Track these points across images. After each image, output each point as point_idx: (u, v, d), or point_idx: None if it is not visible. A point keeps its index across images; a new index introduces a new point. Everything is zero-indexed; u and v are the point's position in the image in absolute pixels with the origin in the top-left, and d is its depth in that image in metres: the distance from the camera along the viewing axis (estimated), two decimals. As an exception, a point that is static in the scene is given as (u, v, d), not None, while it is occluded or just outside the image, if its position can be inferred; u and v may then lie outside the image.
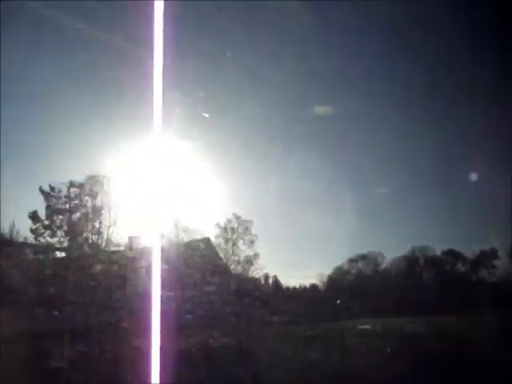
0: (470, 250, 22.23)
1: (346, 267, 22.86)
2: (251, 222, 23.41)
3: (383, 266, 22.97)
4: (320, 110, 20.25)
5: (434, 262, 22.47)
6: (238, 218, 23.74)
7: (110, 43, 13.26)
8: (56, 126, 16.53)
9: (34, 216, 15.98)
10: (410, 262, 22.47)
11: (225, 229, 23.10)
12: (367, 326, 18.21)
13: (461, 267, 22.52)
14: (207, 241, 19.90)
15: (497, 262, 22.01)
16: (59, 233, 16.52)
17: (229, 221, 22.81)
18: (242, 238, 25.28)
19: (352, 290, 22.10)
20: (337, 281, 22.76)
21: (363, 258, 22.58)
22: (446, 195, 23.73)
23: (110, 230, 21.80)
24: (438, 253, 22.59)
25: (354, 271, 22.91)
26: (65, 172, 16.95)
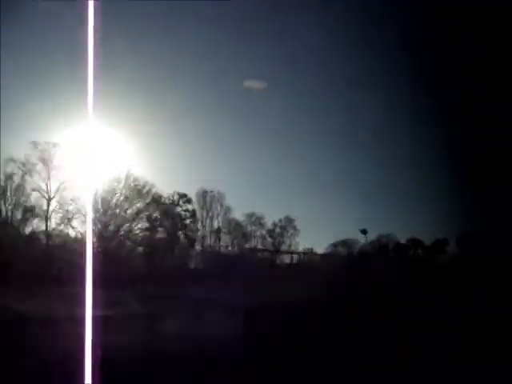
0: (427, 238, 26.38)
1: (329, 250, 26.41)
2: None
3: (357, 249, 26.69)
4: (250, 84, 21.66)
5: (398, 247, 26.33)
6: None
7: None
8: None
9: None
10: (380, 247, 26.20)
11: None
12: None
13: (420, 252, 26.58)
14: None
15: (448, 248, 26.37)
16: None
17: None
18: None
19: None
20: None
21: (343, 243, 26.13)
22: (408, 191, 27.66)
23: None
24: (403, 240, 26.55)
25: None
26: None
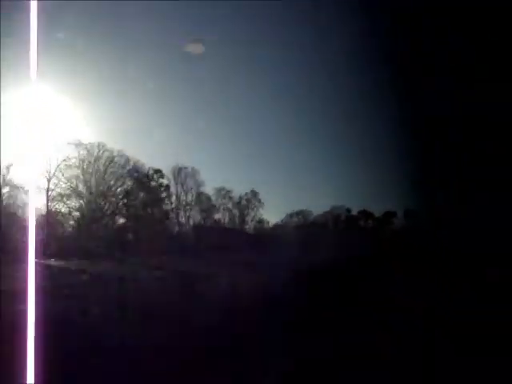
0: (377, 210, 28.85)
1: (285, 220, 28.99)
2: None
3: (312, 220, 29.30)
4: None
5: (350, 218, 28.86)
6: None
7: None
8: None
9: None
10: (333, 217, 28.76)
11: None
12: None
13: (370, 223, 29.13)
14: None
15: (395, 220, 28.90)
16: None
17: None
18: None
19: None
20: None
21: (298, 213, 28.66)
22: (360, 164, 29.84)
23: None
24: (355, 212, 29.08)
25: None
26: None
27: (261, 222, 29.52)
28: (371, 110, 24.87)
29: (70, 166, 28.51)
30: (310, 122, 30.26)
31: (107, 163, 31.33)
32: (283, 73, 29.02)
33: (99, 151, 29.27)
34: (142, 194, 34.01)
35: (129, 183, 33.83)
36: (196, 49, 20.35)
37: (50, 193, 28.07)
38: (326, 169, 30.84)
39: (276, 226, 29.49)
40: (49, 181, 27.74)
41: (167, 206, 34.44)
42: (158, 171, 35.20)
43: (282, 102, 29.27)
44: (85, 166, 29.99)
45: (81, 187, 30.01)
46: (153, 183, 34.88)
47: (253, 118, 32.60)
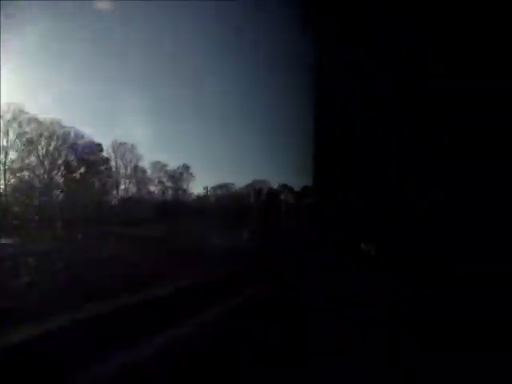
0: (297, 185, 31.07)
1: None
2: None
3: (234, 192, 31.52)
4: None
5: (271, 192, 31.11)
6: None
7: None
8: None
9: None
10: (255, 191, 31.00)
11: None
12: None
13: (291, 197, 31.49)
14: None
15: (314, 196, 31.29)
16: None
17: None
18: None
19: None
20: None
21: (222, 186, 30.82)
22: (284, 141, 31.78)
23: None
24: (276, 186, 31.35)
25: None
26: None
27: (190, 193, 31.61)
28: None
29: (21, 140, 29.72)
30: (237, 104, 31.89)
31: (52, 137, 32.61)
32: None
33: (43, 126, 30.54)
34: (82, 168, 35.55)
35: (70, 157, 35.30)
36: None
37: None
38: (251, 146, 32.82)
39: (201, 198, 31.65)
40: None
41: (106, 179, 36.17)
42: (98, 145, 36.81)
43: (207, 85, 30.78)
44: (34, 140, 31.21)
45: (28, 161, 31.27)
46: (93, 157, 36.46)
47: (185, 97, 34.04)
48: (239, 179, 33.19)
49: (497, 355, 4.51)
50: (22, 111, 29.22)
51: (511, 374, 4.10)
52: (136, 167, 34.10)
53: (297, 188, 30.55)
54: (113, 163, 36.70)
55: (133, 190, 34.49)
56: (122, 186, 35.98)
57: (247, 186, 30.79)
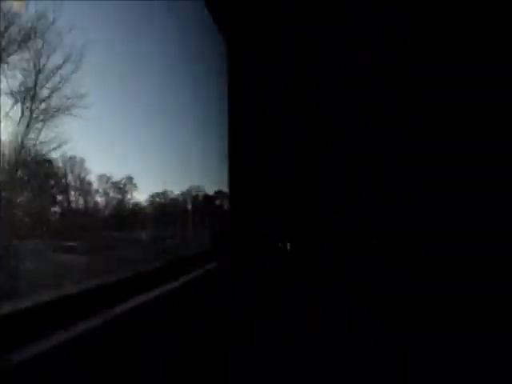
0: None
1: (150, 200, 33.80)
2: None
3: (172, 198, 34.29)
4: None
5: (207, 197, 34.00)
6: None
7: None
8: None
9: None
10: (191, 196, 33.79)
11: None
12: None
13: (226, 202, 34.32)
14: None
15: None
16: None
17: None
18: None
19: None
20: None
21: (159, 194, 33.46)
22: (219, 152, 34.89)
23: None
24: (211, 192, 34.19)
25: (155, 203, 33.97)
26: None
27: (132, 203, 34.09)
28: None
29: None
30: (176, 118, 34.51)
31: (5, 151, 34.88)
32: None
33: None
34: (32, 182, 37.96)
35: (21, 171, 37.78)
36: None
37: None
38: (185, 155, 35.73)
39: (141, 206, 34.30)
40: None
41: (55, 191, 38.42)
42: (48, 161, 39.22)
43: (148, 98, 33.63)
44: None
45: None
46: (43, 171, 38.81)
47: (127, 110, 36.79)
48: (177, 187, 35.88)
49: (459, 334, 4.16)
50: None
51: (468, 351, 3.96)
52: (83, 179, 36.74)
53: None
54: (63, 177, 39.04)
55: (81, 201, 37.02)
56: (73, 198, 38.29)
57: (183, 193, 33.33)
